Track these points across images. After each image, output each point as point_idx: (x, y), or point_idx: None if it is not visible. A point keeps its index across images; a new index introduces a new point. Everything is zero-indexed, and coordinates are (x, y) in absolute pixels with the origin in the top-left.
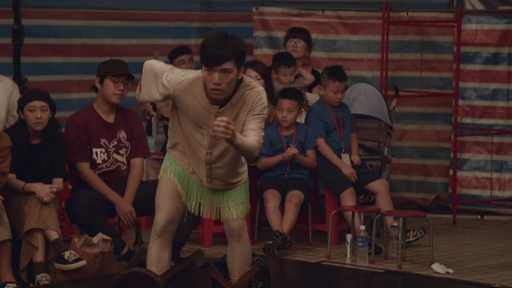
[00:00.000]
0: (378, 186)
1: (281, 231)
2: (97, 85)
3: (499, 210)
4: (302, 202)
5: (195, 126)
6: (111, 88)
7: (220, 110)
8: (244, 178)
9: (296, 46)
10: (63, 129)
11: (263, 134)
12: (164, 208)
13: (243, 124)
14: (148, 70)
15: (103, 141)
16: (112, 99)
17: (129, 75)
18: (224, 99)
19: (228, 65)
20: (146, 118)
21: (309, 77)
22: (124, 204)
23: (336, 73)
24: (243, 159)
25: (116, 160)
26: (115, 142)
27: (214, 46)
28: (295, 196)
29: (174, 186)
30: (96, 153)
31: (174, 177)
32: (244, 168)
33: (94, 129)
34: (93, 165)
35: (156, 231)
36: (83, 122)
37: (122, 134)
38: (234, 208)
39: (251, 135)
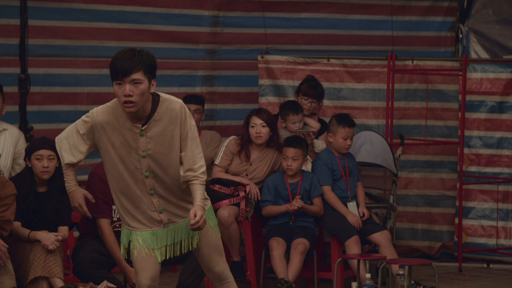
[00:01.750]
0: (381, 237)
1: (286, 279)
2: None
3: (505, 258)
4: (308, 250)
5: (125, 156)
6: None
7: (143, 128)
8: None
9: (310, 106)
10: None
11: (202, 156)
12: (144, 267)
13: (181, 152)
14: (62, 138)
15: None
16: None
17: None
18: (136, 112)
19: (138, 75)
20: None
21: (315, 125)
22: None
23: (345, 119)
24: None
25: None
26: None
27: (121, 59)
28: (300, 244)
29: (142, 249)
30: (113, 210)
31: (136, 243)
32: None
33: None
34: None
35: None
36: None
37: None
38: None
39: (192, 172)
